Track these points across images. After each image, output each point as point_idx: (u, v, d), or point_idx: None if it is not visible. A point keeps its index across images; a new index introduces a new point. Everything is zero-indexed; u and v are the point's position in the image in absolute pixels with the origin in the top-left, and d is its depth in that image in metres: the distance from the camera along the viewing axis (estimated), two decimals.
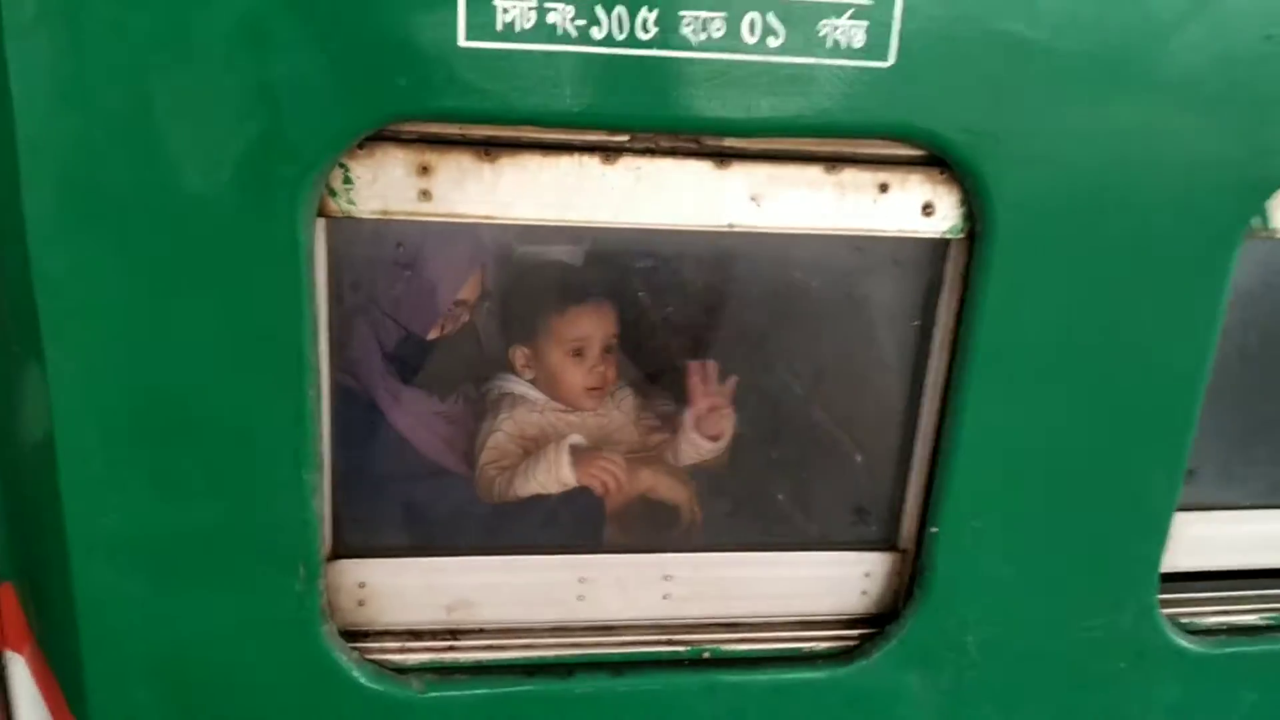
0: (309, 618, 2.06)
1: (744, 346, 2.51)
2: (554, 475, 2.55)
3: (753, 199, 1.95)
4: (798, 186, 1.96)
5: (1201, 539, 2.44)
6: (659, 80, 1.77)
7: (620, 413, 2.76)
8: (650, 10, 1.71)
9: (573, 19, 1.70)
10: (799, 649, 2.30)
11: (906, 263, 2.16)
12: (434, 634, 2.23)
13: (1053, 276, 2.03)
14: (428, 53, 1.70)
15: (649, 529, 2.59)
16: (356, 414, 2.39)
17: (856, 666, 2.28)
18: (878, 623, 2.33)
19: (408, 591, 2.20)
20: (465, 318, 2.61)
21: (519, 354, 2.68)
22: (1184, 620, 2.43)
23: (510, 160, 1.86)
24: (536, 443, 2.65)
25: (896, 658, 2.29)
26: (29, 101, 1.66)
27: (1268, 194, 2.07)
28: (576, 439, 2.60)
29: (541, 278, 2.73)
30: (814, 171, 1.95)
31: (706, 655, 2.27)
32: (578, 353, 2.64)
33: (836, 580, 2.33)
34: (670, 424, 2.73)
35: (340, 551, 2.14)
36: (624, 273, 2.50)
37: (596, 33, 1.71)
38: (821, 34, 1.77)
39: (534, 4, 1.69)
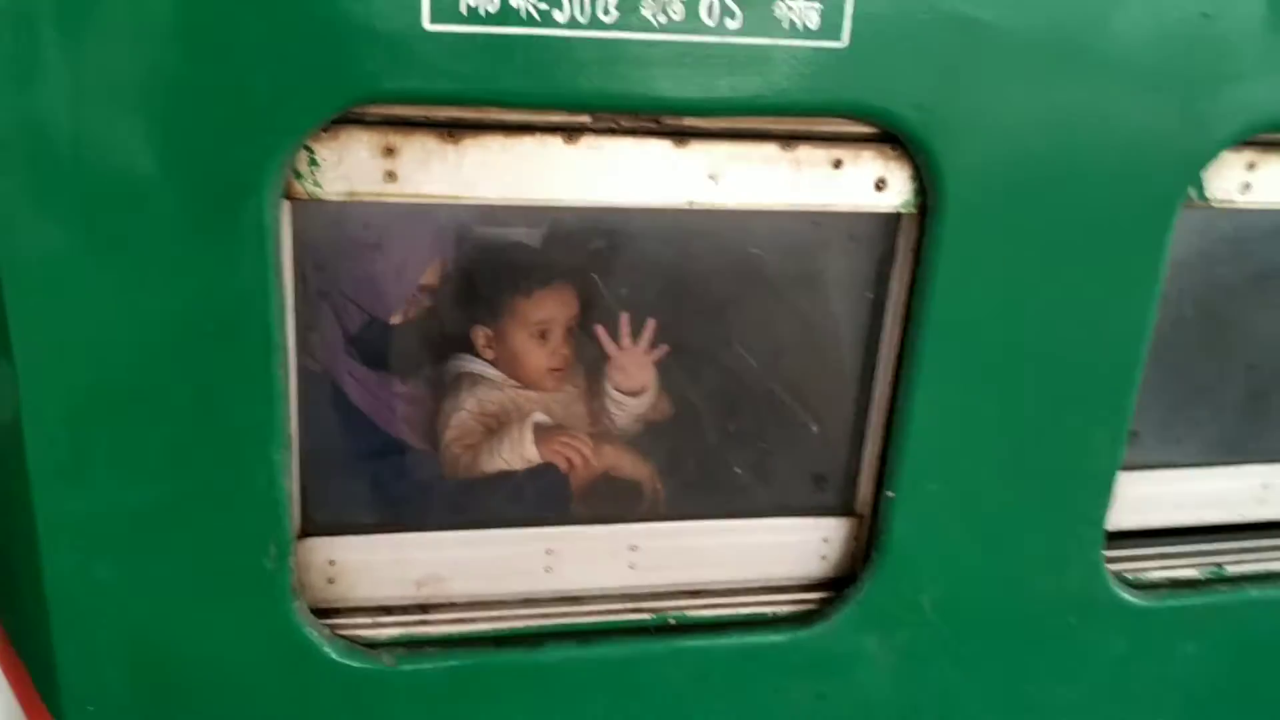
0: (280, 595, 2.09)
1: (704, 322, 2.56)
2: (518, 453, 2.58)
3: (711, 177, 1.99)
4: (754, 164, 2.01)
5: (1144, 497, 2.54)
6: (620, 62, 1.81)
7: (575, 389, 2.80)
8: None
9: (536, 2, 1.73)
10: (761, 613, 2.37)
11: (860, 237, 2.22)
12: (404, 609, 2.26)
13: (1000, 248, 2.10)
14: (393, 36, 1.72)
15: (614, 501, 2.64)
16: (323, 393, 2.41)
17: (817, 629, 2.35)
18: (837, 586, 2.40)
19: (377, 567, 2.23)
20: (428, 303, 2.63)
21: (480, 335, 2.71)
22: (1129, 576, 2.53)
23: (474, 141, 1.89)
24: (499, 420, 2.68)
25: (855, 620, 2.36)
26: None
27: (1202, 165, 2.15)
28: (540, 417, 2.64)
29: (505, 260, 2.76)
30: (770, 149, 2.00)
31: (672, 622, 2.33)
32: (541, 335, 2.67)
33: (796, 546, 2.40)
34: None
35: (309, 530, 2.16)
36: (584, 254, 2.53)
37: (559, 16, 1.75)
38: (777, 15, 1.82)
39: None
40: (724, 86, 1.86)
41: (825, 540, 2.40)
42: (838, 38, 1.85)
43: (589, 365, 2.80)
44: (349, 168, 1.86)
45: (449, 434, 2.65)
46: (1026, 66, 1.97)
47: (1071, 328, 2.21)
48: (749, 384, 2.53)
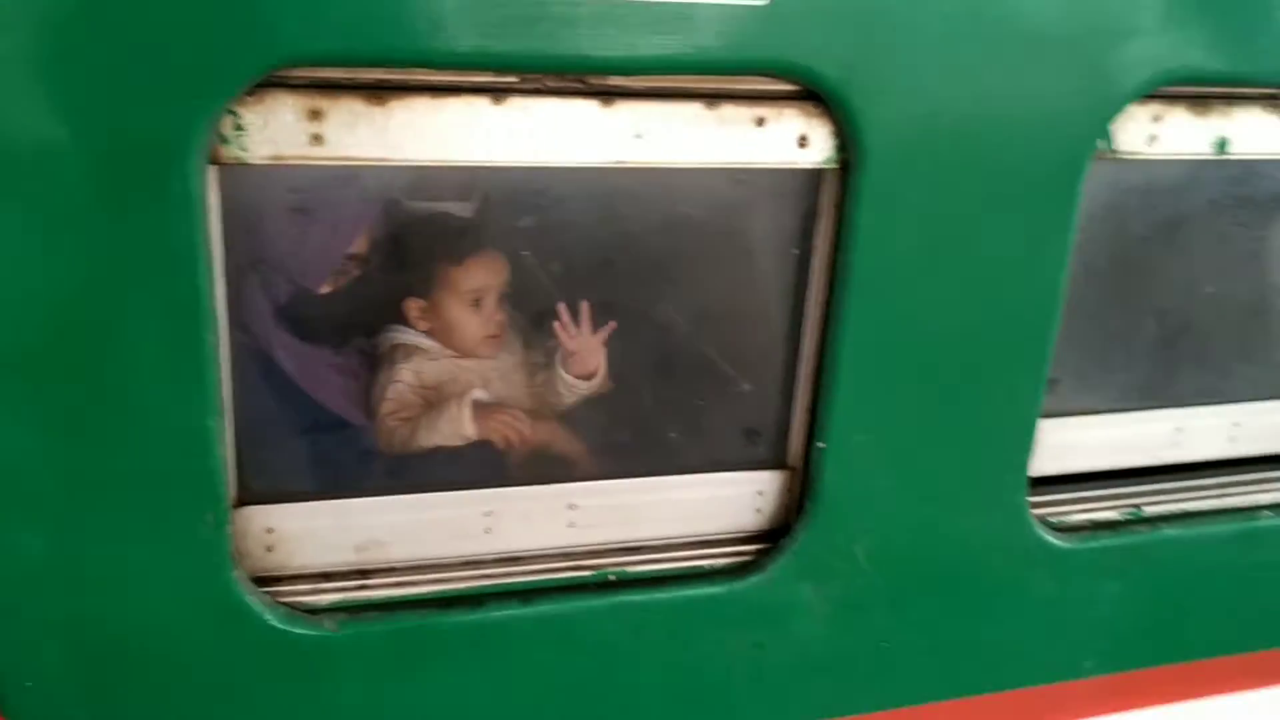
0: (218, 564, 2.09)
1: (633, 282, 2.60)
2: (456, 429, 2.60)
3: (637, 136, 2.02)
4: (680, 123, 2.04)
5: (1065, 444, 2.62)
6: (545, 22, 1.83)
7: (510, 356, 2.82)
8: None
9: None
10: (699, 567, 2.41)
11: (784, 194, 2.27)
12: (344, 574, 2.27)
13: (919, 202, 2.16)
14: None
15: (550, 463, 2.68)
16: (257, 361, 2.40)
17: (753, 580, 2.41)
18: (772, 538, 2.46)
19: (316, 534, 2.24)
20: (356, 272, 2.63)
21: (414, 306, 2.71)
22: (1052, 519, 2.61)
23: (400, 103, 1.90)
24: (436, 391, 2.69)
25: (790, 570, 2.42)
26: None
27: (1110, 118, 2.23)
28: (479, 394, 2.65)
29: (436, 230, 2.76)
30: (695, 108, 2.04)
31: (611, 578, 2.37)
32: (476, 303, 2.68)
33: (731, 500, 2.45)
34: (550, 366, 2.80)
35: (246, 498, 2.16)
36: (514, 218, 2.55)
37: None
38: None
39: None
40: (648, 45, 1.89)
41: (759, 493, 2.45)
42: None
43: (524, 332, 2.82)
44: (274, 131, 1.86)
45: (386, 406, 2.65)
46: (941, 24, 2.03)
47: (990, 279, 2.28)
48: (680, 342, 2.58)
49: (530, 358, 2.80)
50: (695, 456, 2.49)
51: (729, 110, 2.06)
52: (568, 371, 2.70)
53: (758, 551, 2.45)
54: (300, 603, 2.22)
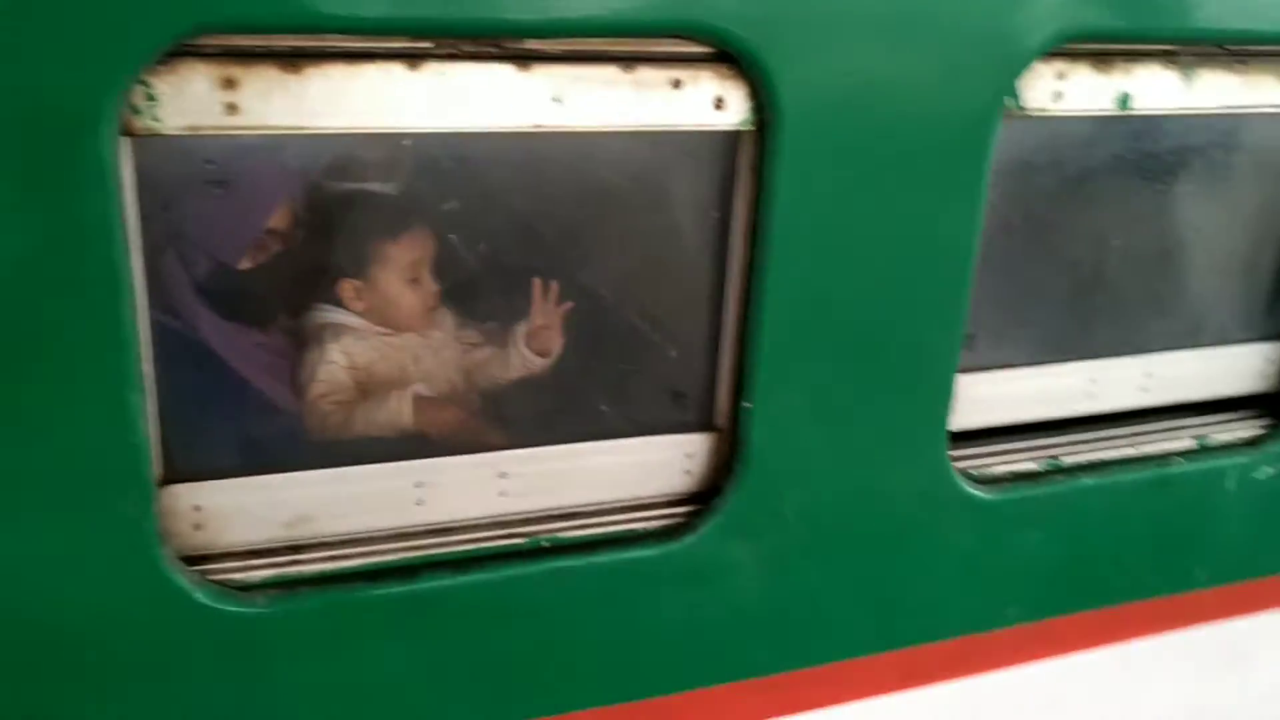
0: (145, 543, 2.06)
1: (555, 248, 2.61)
2: (394, 423, 2.59)
3: (555, 99, 2.04)
4: (597, 86, 2.06)
5: (983, 398, 2.69)
6: None
7: (442, 333, 2.81)
8: None
9: None
10: (631, 530, 2.44)
11: (703, 156, 2.29)
12: (275, 550, 2.26)
13: (834, 161, 2.21)
14: None
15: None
16: (179, 337, 2.37)
17: (685, 542, 2.44)
18: (702, 499, 2.49)
19: (245, 511, 2.23)
20: (277, 248, 2.60)
21: (349, 287, 2.67)
22: (973, 472, 2.68)
23: (316, 70, 1.89)
24: (367, 372, 2.67)
25: (721, 530, 2.46)
26: None
27: (1017, 75, 2.29)
28: (420, 389, 2.65)
29: (366, 208, 2.72)
30: (612, 71, 2.06)
31: (545, 545, 2.38)
32: (414, 278, 2.66)
33: (661, 463, 2.48)
34: (491, 340, 2.80)
35: (172, 476, 2.14)
36: (434, 189, 2.53)
37: None
38: None
39: None
40: (563, 8, 1.91)
41: (689, 455, 2.49)
42: None
43: (450, 305, 2.81)
44: (188, 101, 1.84)
45: (317, 388, 2.62)
46: None
47: (905, 237, 2.34)
48: (604, 308, 2.59)
49: (461, 333, 2.79)
50: (624, 421, 2.50)
51: (645, 73, 2.08)
52: (529, 347, 2.70)
53: (689, 513, 2.48)
54: (231, 580, 2.20)
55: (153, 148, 1.90)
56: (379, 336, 2.70)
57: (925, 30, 2.17)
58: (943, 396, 2.54)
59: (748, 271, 2.29)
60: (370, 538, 2.32)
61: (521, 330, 2.71)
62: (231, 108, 1.87)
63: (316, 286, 2.67)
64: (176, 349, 2.31)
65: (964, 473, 2.65)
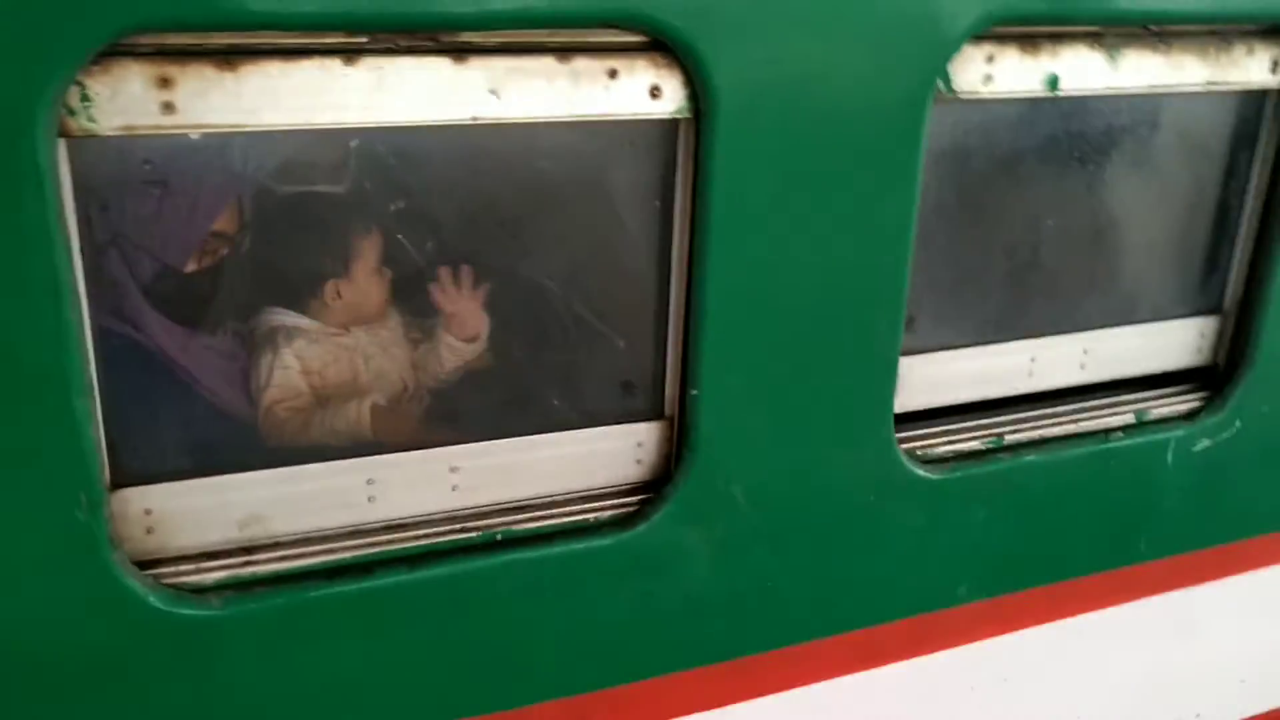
0: (96, 548, 2.05)
1: (499, 241, 2.63)
2: (352, 432, 2.59)
3: (492, 91, 2.06)
4: (534, 77, 2.08)
5: (926, 379, 2.74)
6: None
7: (389, 330, 2.81)
8: None
9: None
10: (584, 521, 2.46)
11: (642, 145, 2.32)
12: (228, 552, 2.26)
13: (770, 148, 2.24)
14: None
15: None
16: (126, 340, 2.36)
17: (638, 530, 2.46)
18: (654, 488, 2.52)
19: (197, 513, 2.22)
20: (224, 251, 2.59)
21: (331, 288, 2.66)
22: (919, 452, 2.73)
23: (252, 67, 1.90)
24: (322, 376, 2.67)
25: (673, 517, 2.48)
26: None
27: (947, 59, 2.34)
28: (378, 399, 2.66)
29: (312, 208, 2.70)
30: (548, 61, 2.08)
31: (499, 538, 2.40)
32: (379, 270, 2.68)
33: (612, 453, 2.50)
34: (429, 338, 2.81)
35: (122, 480, 2.14)
36: (378, 185, 2.54)
37: None
38: None
39: None
40: (497, 0, 1.93)
41: (639, 445, 2.51)
42: None
43: (401, 302, 2.81)
44: (124, 101, 1.85)
45: (272, 394, 2.61)
46: None
47: (843, 222, 2.38)
48: (550, 299, 2.61)
49: (409, 330, 2.80)
50: (574, 413, 2.53)
51: (582, 63, 2.11)
52: (450, 334, 2.71)
53: (641, 502, 2.51)
54: (184, 583, 2.20)
55: (90, 148, 1.90)
56: (331, 338, 2.70)
57: (856, 16, 2.22)
58: (886, 379, 2.58)
59: (690, 259, 2.32)
60: (323, 536, 2.32)
61: (441, 323, 2.73)
62: (168, 107, 1.88)
63: (265, 288, 2.67)
64: (123, 352, 2.30)
65: (910, 454, 2.70)
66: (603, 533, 2.46)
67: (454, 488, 2.40)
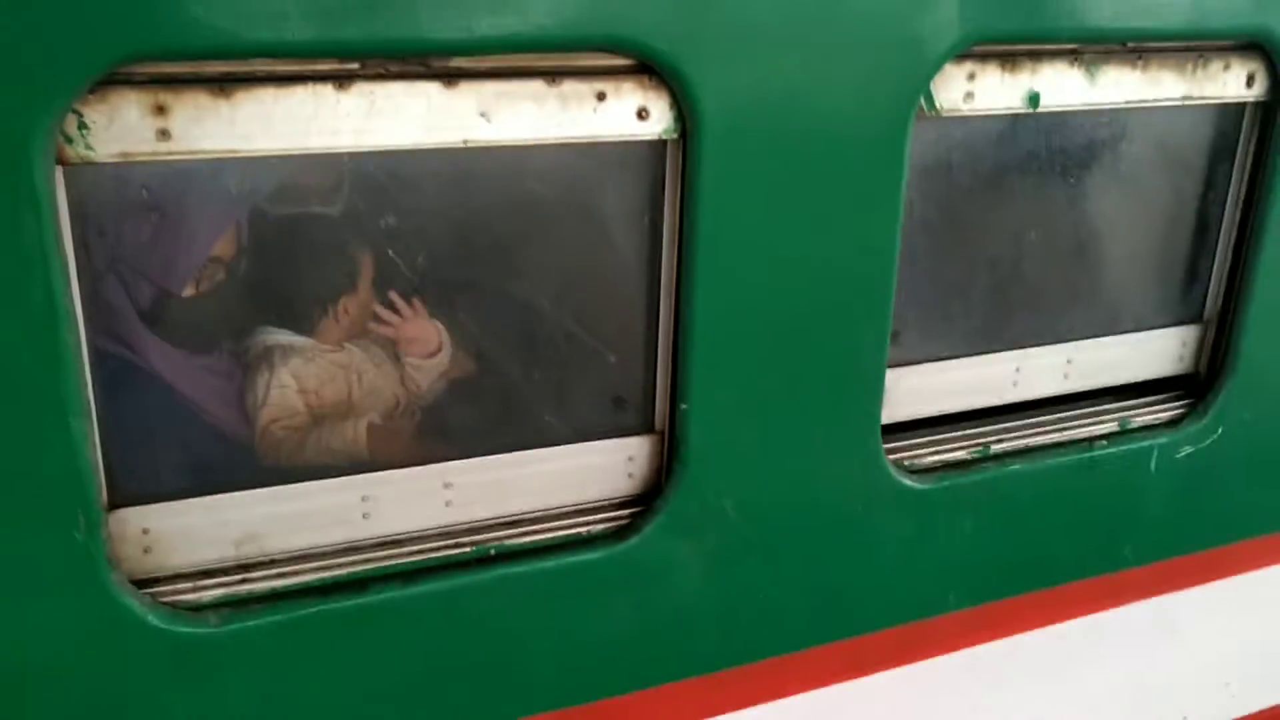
0: (94, 567, 2.08)
1: (493, 261, 2.66)
2: (349, 451, 2.62)
3: (483, 115, 2.09)
4: (523, 100, 2.12)
5: (912, 390, 2.78)
6: (384, 6, 1.89)
7: (380, 348, 2.84)
8: None
9: None
10: (577, 535, 2.49)
11: (630, 166, 2.36)
12: (225, 570, 2.28)
13: (757, 166, 2.29)
14: None
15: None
16: (122, 363, 2.38)
17: (630, 543, 2.49)
18: (645, 501, 2.55)
19: (194, 532, 2.25)
20: (221, 276, 2.61)
21: (344, 305, 2.71)
22: (906, 463, 2.77)
23: (246, 94, 1.94)
24: (318, 395, 2.69)
25: (665, 530, 2.51)
26: None
27: (929, 78, 2.38)
28: (374, 418, 2.69)
29: (309, 231, 2.73)
30: (537, 85, 2.12)
31: (493, 553, 2.43)
32: (375, 286, 2.72)
33: (604, 467, 2.54)
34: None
35: (119, 500, 2.16)
36: (371, 207, 2.58)
37: None
38: None
39: None
40: (486, 26, 1.97)
41: (630, 459, 2.55)
42: None
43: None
44: (120, 129, 1.88)
45: (269, 413, 2.64)
46: None
47: (828, 238, 2.42)
48: (543, 317, 2.65)
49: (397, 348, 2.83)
50: (566, 428, 2.56)
51: (570, 86, 2.14)
52: (410, 355, 2.75)
53: (633, 515, 2.54)
54: (182, 601, 2.22)
55: (88, 175, 1.93)
56: (326, 356, 2.73)
57: (839, 37, 2.26)
58: (873, 391, 2.62)
59: (679, 276, 2.36)
60: (319, 553, 2.35)
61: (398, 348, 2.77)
62: (164, 133, 1.91)
63: (261, 309, 2.70)
64: (121, 374, 2.33)
65: (897, 464, 2.74)
66: (595, 546, 2.49)
67: (447, 503, 2.43)
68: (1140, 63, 2.67)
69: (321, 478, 2.34)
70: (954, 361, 2.85)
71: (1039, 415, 2.98)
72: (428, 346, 2.73)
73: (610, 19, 2.05)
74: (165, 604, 2.20)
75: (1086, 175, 3.01)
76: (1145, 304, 3.18)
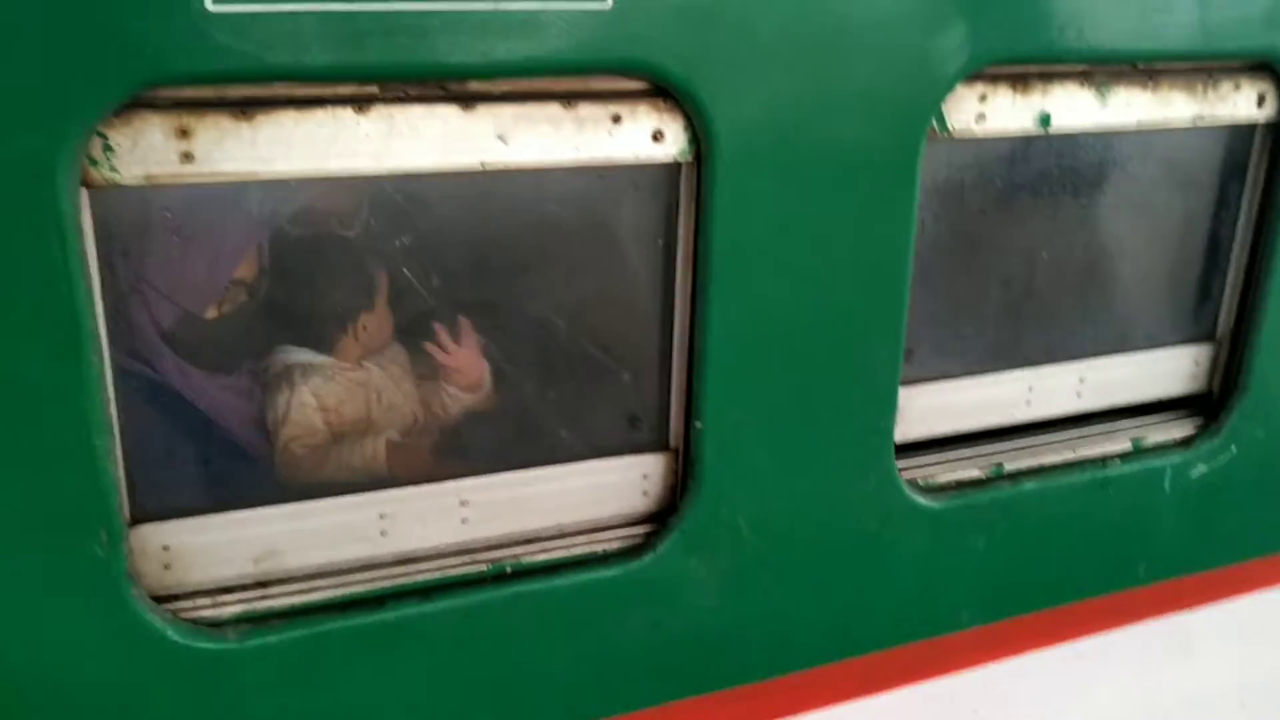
0: (116, 582, 2.11)
1: (509, 282, 2.69)
2: (369, 468, 2.65)
3: (500, 138, 2.13)
4: (540, 124, 2.15)
5: (926, 409, 2.79)
6: (403, 31, 1.92)
7: (398, 366, 2.87)
8: None
9: None
10: (592, 552, 2.51)
11: (646, 187, 2.39)
12: (244, 586, 2.31)
13: (770, 187, 2.31)
14: (176, 19, 1.80)
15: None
16: (145, 381, 2.42)
17: (645, 560, 2.51)
18: (659, 518, 2.57)
19: (213, 549, 2.28)
20: (243, 297, 2.65)
21: (363, 320, 2.73)
22: (920, 481, 2.78)
23: (267, 118, 1.97)
24: (338, 413, 2.72)
25: (679, 547, 2.53)
26: None
27: (940, 99, 2.41)
28: (394, 435, 2.71)
29: (330, 253, 2.77)
30: (554, 108, 2.15)
31: (509, 570, 2.45)
32: (391, 306, 2.75)
33: (619, 485, 2.56)
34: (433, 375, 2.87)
35: (140, 516, 2.19)
36: (388, 229, 2.61)
37: None
38: None
39: None
40: (502, 50, 2.00)
41: (645, 476, 2.56)
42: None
43: (412, 341, 2.87)
44: (144, 151, 1.92)
45: (289, 430, 2.67)
46: (778, 20, 2.18)
47: (841, 258, 2.44)
48: (558, 336, 2.68)
49: (415, 365, 2.86)
50: (581, 446, 2.58)
51: (586, 109, 2.17)
52: (450, 385, 2.78)
53: (647, 533, 2.56)
54: (202, 617, 2.25)
55: (112, 197, 1.97)
56: (345, 374, 2.76)
57: (851, 60, 2.29)
58: (886, 409, 2.63)
59: (693, 296, 2.38)
60: (337, 570, 2.38)
61: (440, 373, 2.79)
62: (187, 156, 1.94)
63: (282, 328, 2.73)
64: (143, 392, 2.36)
65: (911, 482, 2.75)
66: (610, 563, 2.50)
67: (464, 520, 2.45)
68: (1151, 83, 2.69)
69: (340, 494, 2.37)
70: (967, 380, 2.87)
71: (1052, 434, 2.99)
72: (472, 381, 2.77)
73: (625, 44, 2.08)
74: (185, 619, 2.22)
75: (1099, 195, 3.02)
76: (1158, 323, 3.19)
